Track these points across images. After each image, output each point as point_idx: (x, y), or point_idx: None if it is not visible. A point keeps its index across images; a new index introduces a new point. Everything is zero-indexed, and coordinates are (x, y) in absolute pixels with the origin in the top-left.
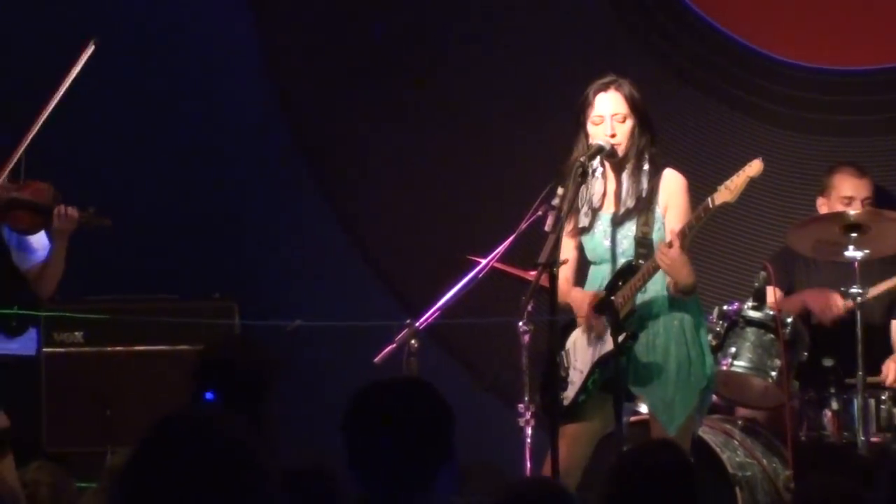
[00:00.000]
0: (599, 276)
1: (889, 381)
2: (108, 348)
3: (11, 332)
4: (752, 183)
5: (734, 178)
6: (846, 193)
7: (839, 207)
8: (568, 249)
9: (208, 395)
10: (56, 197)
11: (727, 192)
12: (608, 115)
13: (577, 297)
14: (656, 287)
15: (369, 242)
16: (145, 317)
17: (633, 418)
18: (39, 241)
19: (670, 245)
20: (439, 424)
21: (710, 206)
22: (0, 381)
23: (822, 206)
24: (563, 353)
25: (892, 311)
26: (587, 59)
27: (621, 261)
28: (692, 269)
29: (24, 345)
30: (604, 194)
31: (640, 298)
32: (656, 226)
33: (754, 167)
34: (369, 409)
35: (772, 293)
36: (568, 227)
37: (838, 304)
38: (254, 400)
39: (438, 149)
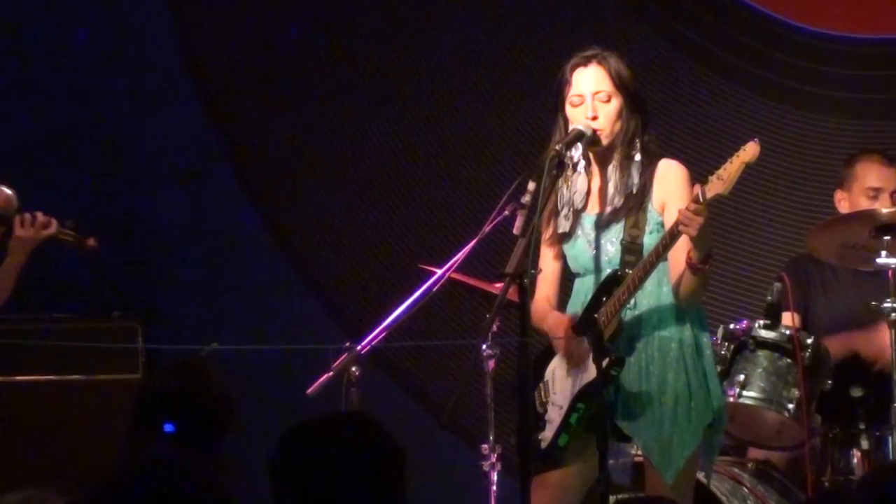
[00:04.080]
0: (584, 289)
1: None
2: None
3: None
4: (764, 176)
5: (726, 165)
6: (872, 184)
7: (863, 202)
8: (547, 260)
9: (168, 427)
10: (17, 207)
11: (719, 182)
12: (589, 95)
13: (554, 321)
14: (649, 301)
15: (301, 250)
16: (31, 340)
17: (636, 459)
18: None
19: (697, 204)
20: (388, 470)
21: (700, 200)
22: None
23: (842, 202)
24: (540, 384)
25: None
26: (568, 35)
27: (608, 270)
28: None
29: None
30: (588, 192)
31: (630, 314)
32: (648, 228)
33: (749, 151)
34: (302, 452)
35: (788, 318)
36: (546, 233)
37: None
38: (216, 434)
39: (382, 141)
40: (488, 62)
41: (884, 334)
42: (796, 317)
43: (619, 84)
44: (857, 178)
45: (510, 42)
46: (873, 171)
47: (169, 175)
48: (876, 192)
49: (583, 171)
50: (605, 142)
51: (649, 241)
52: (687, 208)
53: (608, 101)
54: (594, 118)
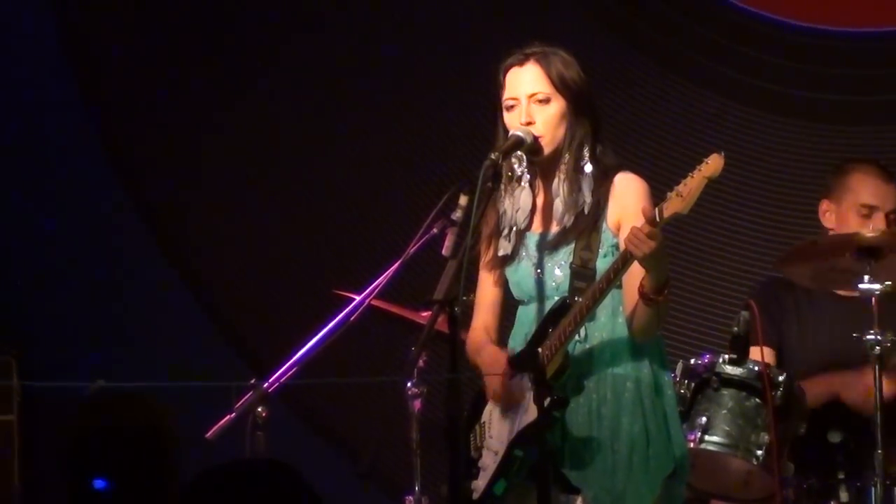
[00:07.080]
0: (528, 319)
1: None
2: None
3: None
4: (730, 191)
5: (686, 180)
6: (867, 201)
7: (852, 218)
8: (486, 286)
9: (98, 484)
10: None
11: (679, 199)
12: (524, 97)
13: (489, 357)
14: (602, 333)
15: (199, 274)
16: None
17: None
18: None
19: (653, 224)
20: None
21: (658, 219)
22: None
23: (827, 214)
24: (477, 426)
25: None
26: (513, 34)
27: (555, 298)
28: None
29: None
30: (533, 209)
31: (579, 349)
32: (602, 251)
33: (711, 165)
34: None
35: (757, 352)
36: (486, 255)
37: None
38: (160, 479)
39: (290, 151)
40: (415, 65)
41: (865, 380)
42: (767, 351)
43: (561, 85)
44: (851, 190)
45: (441, 43)
46: (870, 186)
47: (48, 195)
48: (870, 211)
49: (527, 185)
50: (546, 150)
51: (603, 265)
52: (640, 228)
53: (546, 102)
54: (529, 123)
